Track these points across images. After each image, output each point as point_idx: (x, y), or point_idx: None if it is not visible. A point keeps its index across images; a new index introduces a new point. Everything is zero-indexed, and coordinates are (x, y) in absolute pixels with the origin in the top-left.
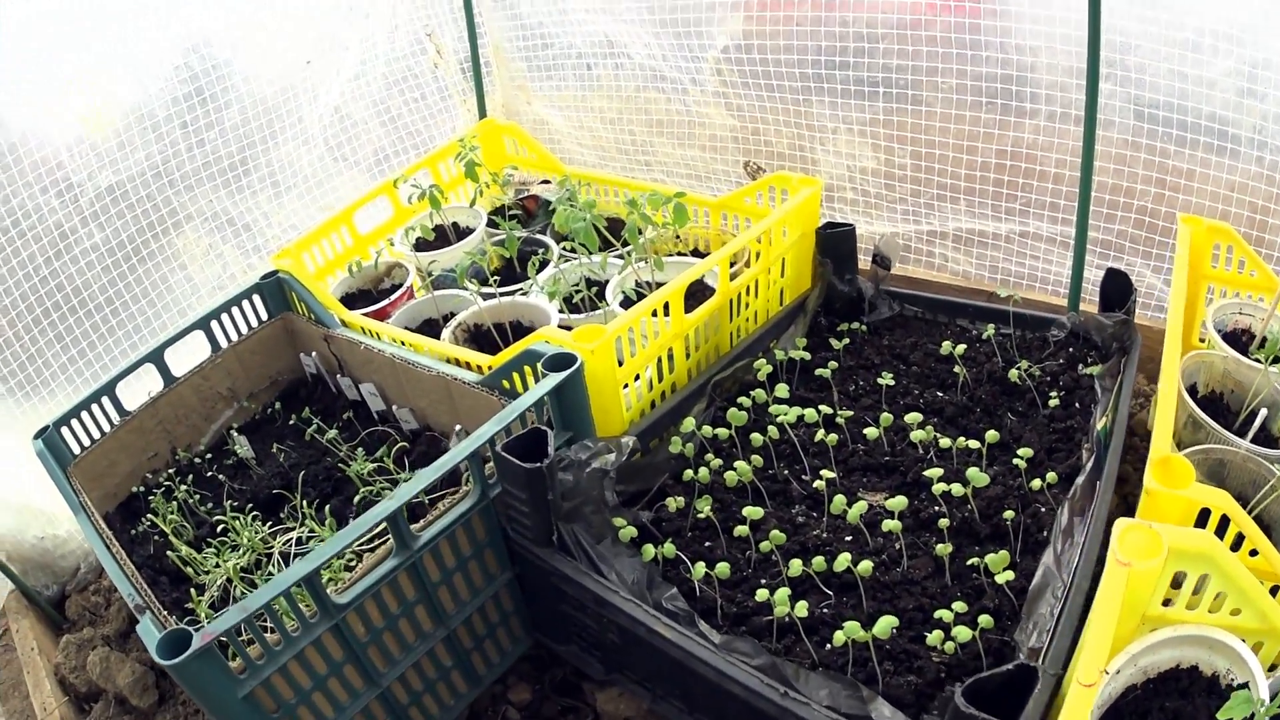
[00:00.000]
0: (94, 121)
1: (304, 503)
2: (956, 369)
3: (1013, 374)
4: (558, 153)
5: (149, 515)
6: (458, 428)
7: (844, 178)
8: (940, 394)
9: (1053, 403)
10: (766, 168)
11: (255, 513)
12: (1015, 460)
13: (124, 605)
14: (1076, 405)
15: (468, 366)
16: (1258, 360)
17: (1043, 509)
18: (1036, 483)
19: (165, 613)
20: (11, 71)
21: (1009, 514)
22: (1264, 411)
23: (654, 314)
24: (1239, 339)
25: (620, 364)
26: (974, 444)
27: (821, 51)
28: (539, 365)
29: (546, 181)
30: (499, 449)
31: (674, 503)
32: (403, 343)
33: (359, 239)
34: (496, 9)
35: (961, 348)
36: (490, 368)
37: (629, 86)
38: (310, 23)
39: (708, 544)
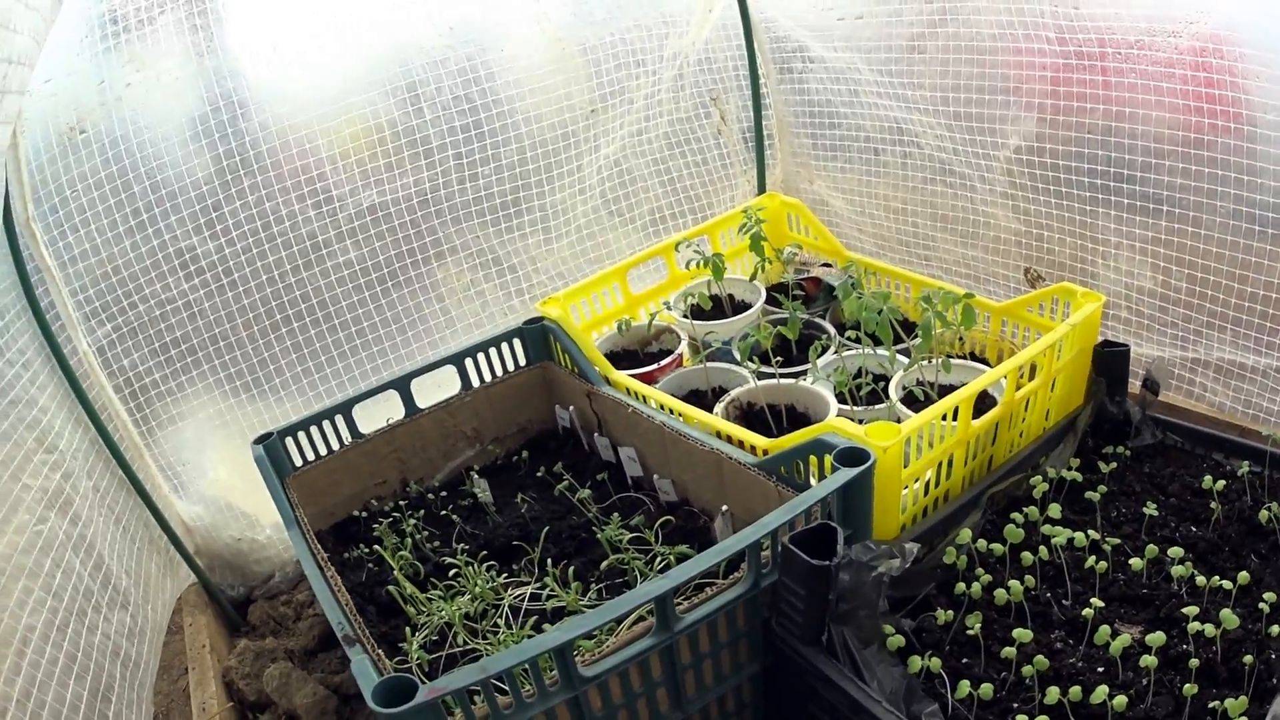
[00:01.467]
0: (364, 140)
1: (548, 562)
2: (1213, 505)
3: (1262, 515)
4: (837, 234)
5: (364, 545)
6: (724, 508)
7: (1120, 295)
8: (1194, 528)
9: None
10: (1046, 277)
11: (491, 561)
12: (1260, 605)
13: (316, 624)
14: None
15: (740, 445)
16: None
17: (1274, 655)
18: (1276, 629)
19: (377, 649)
20: (288, 86)
21: (1248, 659)
22: None
23: (943, 418)
24: None
25: (905, 464)
26: (1226, 584)
27: (1110, 162)
28: (828, 457)
29: (827, 264)
30: (786, 541)
31: (943, 615)
32: (672, 410)
33: (630, 297)
34: (783, 82)
35: (1221, 484)
36: (765, 451)
37: (916, 177)
38: (599, 72)
39: (965, 660)
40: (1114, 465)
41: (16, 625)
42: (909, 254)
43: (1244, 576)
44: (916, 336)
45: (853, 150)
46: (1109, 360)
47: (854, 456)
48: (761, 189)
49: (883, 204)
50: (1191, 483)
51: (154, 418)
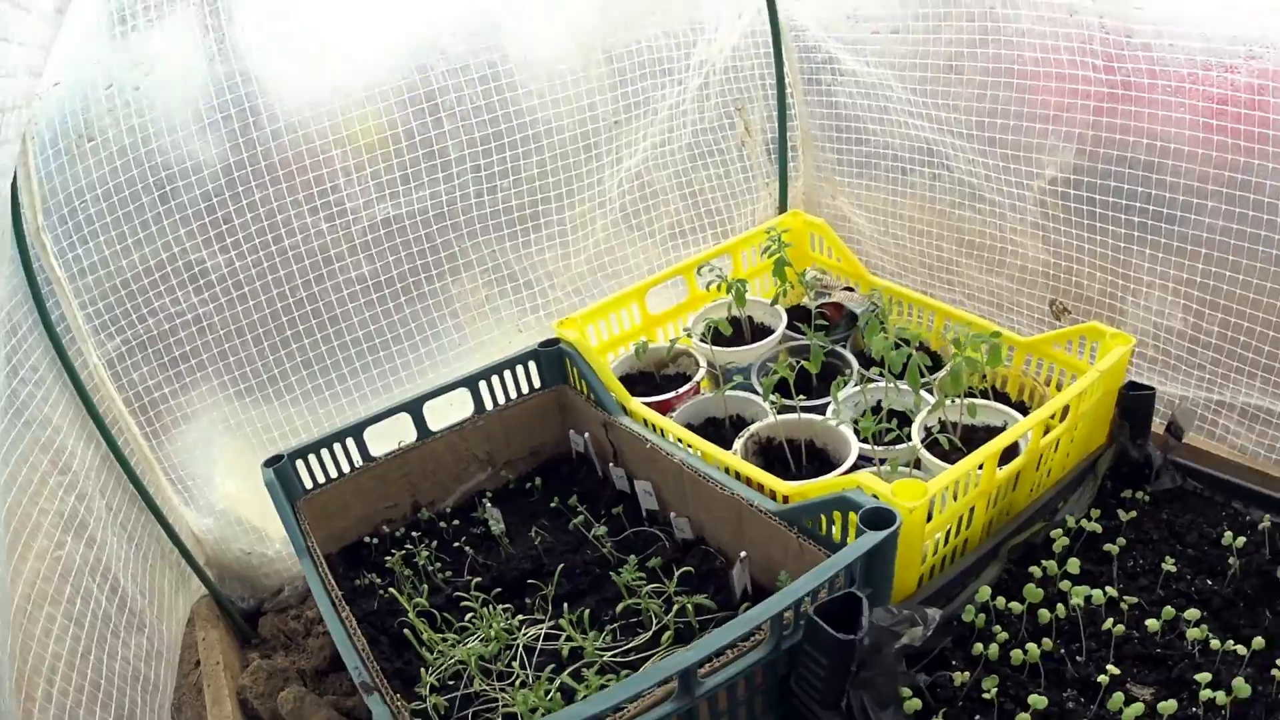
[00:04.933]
0: (380, 151)
1: (564, 604)
2: (1231, 560)
3: None
4: (857, 254)
5: (376, 572)
6: (743, 555)
7: (1149, 334)
8: (1209, 582)
9: None
10: (1073, 310)
11: (505, 603)
12: (1274, 670)
13: (327, 643)
14: None
15: (760, 488)
16: None
17: None
18: None
19: (395, 696)
20: (301, 93)
21: None
22: None
23: (974, 470)
24: None
25: (928, 519)
26: (1241, 649)
27: (1150, 200)
28: (852, 514)
29: (849, 288)
30: (811, 612)
31: (959, 677)
32: (690, 446)
33: (648, 318)
34: (811, 93)
35: (1241, 540)
36: (786, 498)
37: (944, 200)
38: (623, 81)
39: (977, 717)
40: (1133, 513)
41: (45, 654)
42: (931, 277)
43: (1259, 642)
44: (939, 371)
45: (879, 168)
46: (1134, 403)
47: (880, 518)
48: (784, 203)
49: (907, 225)
50: (1210, 533)
51: (164, 431)
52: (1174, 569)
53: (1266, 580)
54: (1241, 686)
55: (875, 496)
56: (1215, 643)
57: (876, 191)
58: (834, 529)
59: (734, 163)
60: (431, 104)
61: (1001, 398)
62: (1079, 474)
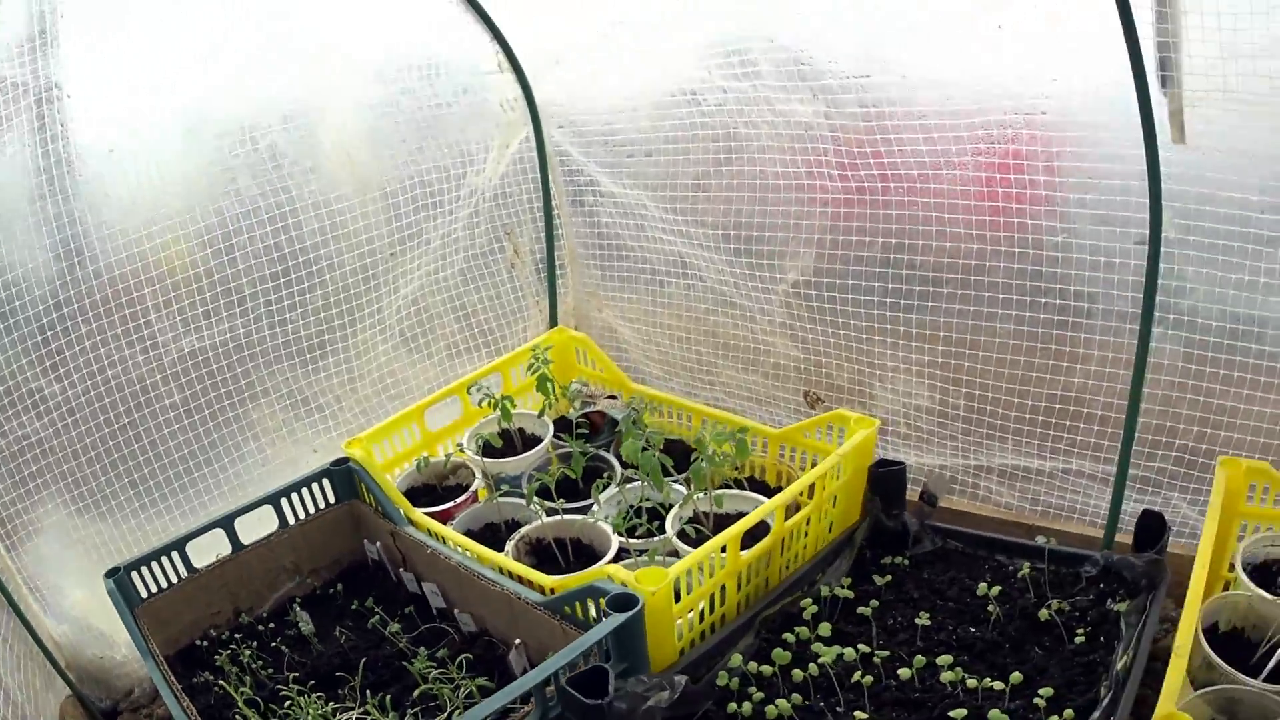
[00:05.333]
0: (185, 290)
1: (366, 693)
2: (990, 607)
3: (1043, 613)
4: (625, 362)
5: (209, 671)
6: (517, 642)
7: (899, 413)
8: (973, 629)
9: (1079, 638)
10: (826, 398)
11: (319, 694)
12: (1036, 699)
13: None
14: (1102, 640)
15: (530, 584)
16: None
17: None
18: None
19: None
20: (121, 236)
21: None
22: None
23: (717, 551)
24: (1271, 571)
25: (677, 600)
26: (999, 685)
27: (888, 294)
28: (602, 601)
29: (613, 396)
30: (564, 683)
31: None
32: (467, 550)
33: (428, 435)
34: (576, 214)
35: (996, 589)
36: (551, 590)
37: (699, 308)
38: (398, 215)
39: None
40: (889, 577)
41: None
42: (694, 379)
43: (1016, 677)
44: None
45: (640, 281)
46: (882, 479)
47: (625, 601)
48: (554, 319)
49: (668, 333)
50: (971, 586)
51: (20, 543)
52: (928, 622)
53: (1031, 622)
54: (998, 717)
55: (623, 584)
56: (973, 682)
57: (638, 303)
58: (591, 614)
59: (505, 284)
60: (228, 244)
61: (761, 485)
62: (837, 547)
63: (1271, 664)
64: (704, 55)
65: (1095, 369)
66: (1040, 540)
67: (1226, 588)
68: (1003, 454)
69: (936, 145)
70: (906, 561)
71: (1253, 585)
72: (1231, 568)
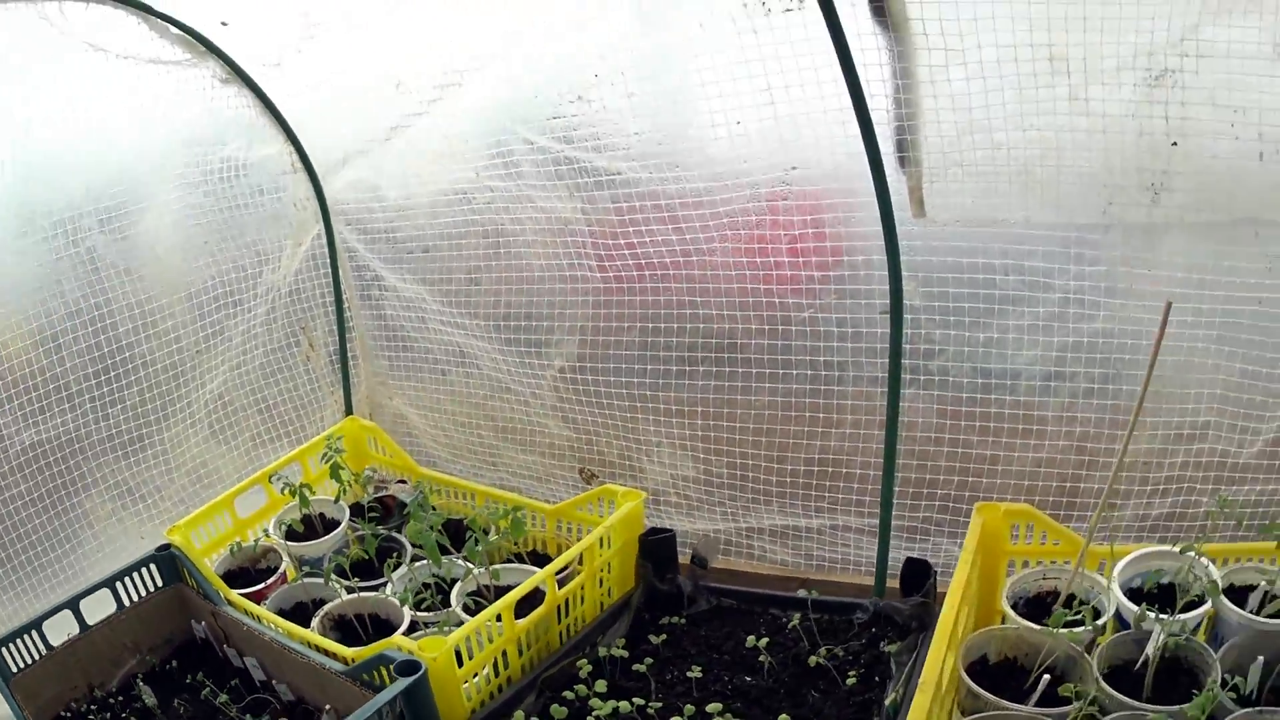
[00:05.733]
0: (20, 387)
1: None
2: (762, 657)
3: (812, 660)
4: (416, 446)
5: None
6: (327, 707)
7: (668, 484)
8: (748, 678)
9: (851, 680)
10: (599, 474)
11: None
12: None
13: None
14: (875, 680)
15: (333, 655)
16: (1047, 625)
17: None
18: None
19: None
20: None
21: None
22: (1046, 677)
23: (492, 620)
24: (1046, 602)
25: (461, 664)
26: None
27: (647, 374)
28: (391, 667)
29: (403, 481)
30: None
31: None
32: (278, 626)
33: (239, 521)
34: (364, 307)
35: (766, 640)
36: (352, 660)
37: (479, 394)
38: (202, 314)
39: None
40: (665, 636)
41: None
42: (479, 462)
43: (784, 718)
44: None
45: (424, 370)
46: (652, 546)
47: (409, 667)
48: (349, 408)
49: (452, 418)
50: (745, 639)
51: None
52: (701, 674)
53: (804, 668)
54: None
55: (409, 652)
56: None
57: (424, 391)
58: (386, 680)
59: (301, 376)
60: (55, 343)
61: (543, 558)
62: (616, 610)
63: (1040, 689)
64: (472, 157)
65: (850, 431)
66: (802, 592)
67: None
68: (770, 515)
69: (685, 235)
70: (683, 621)
71: (1017, 617)
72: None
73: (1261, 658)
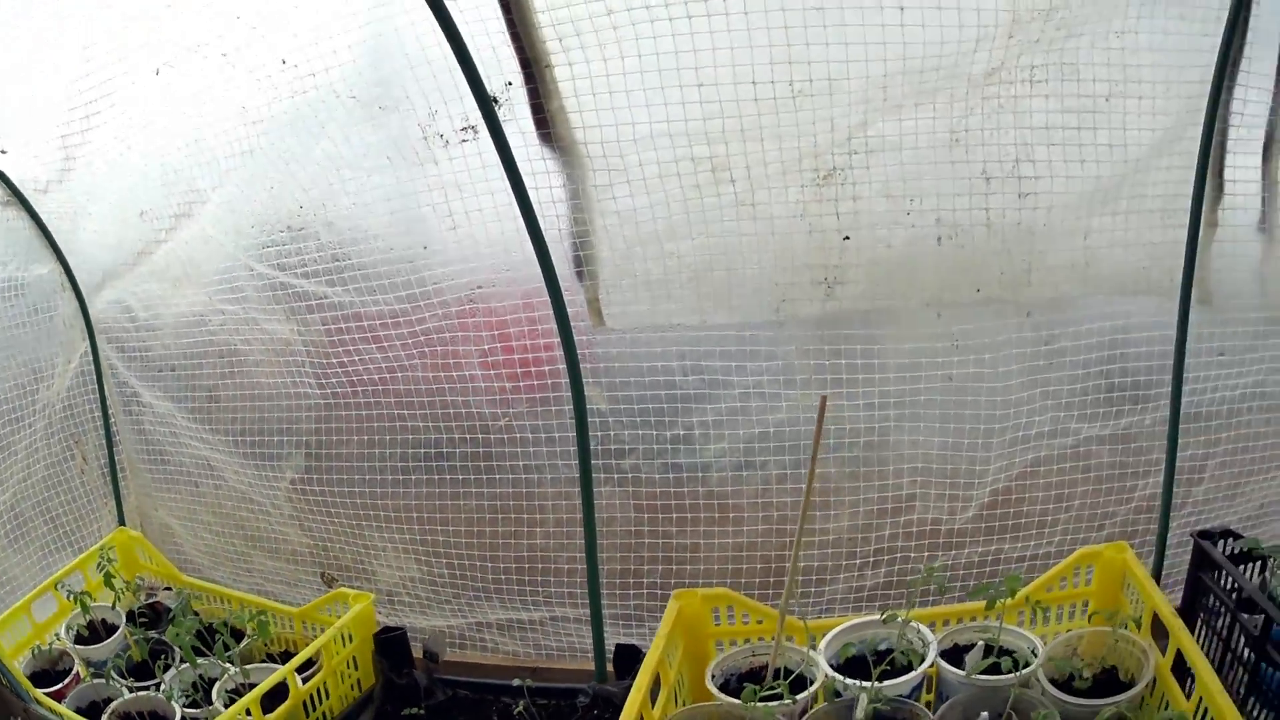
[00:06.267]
0: None
1: None
2: None
3: None
4: (181, 554)
5: None
6: None
7: (399, 585)
8: None
9: None
10: (338, 578)
11: None
12: None
13: None
14: None
15: None
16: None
17: None
18: None
19: None
20: None
21: None
22: None
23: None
24: (759, 675)
25: None
26: None
27: (367, 484)
28: None
29: (169, 588)
30: None
31: None
32: None
33: (37, 626)
34: (128, 422)
35: None
36: None
37: (227, 504)
38: None
39: None
40: None
41: None
42: (235, 569)
43: None
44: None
45: (181, 483)
46: (385, 643)
47: None
48: (121, 518)
49: (208, 528)
50: None
51: None
52: None
53: None
54: None
55: None
56: None
57: (182, 502)
58: None
59: (79, 488)
60: None
61: (287, 658)
62: (360, 704)
63: None
64: (205, 282)
65: (554, 529)
66: (516, 681)
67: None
68: (493, 610)
69: (389, 352)
70: (423, 712)
71: (720, 694)
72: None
73: (985, 713)
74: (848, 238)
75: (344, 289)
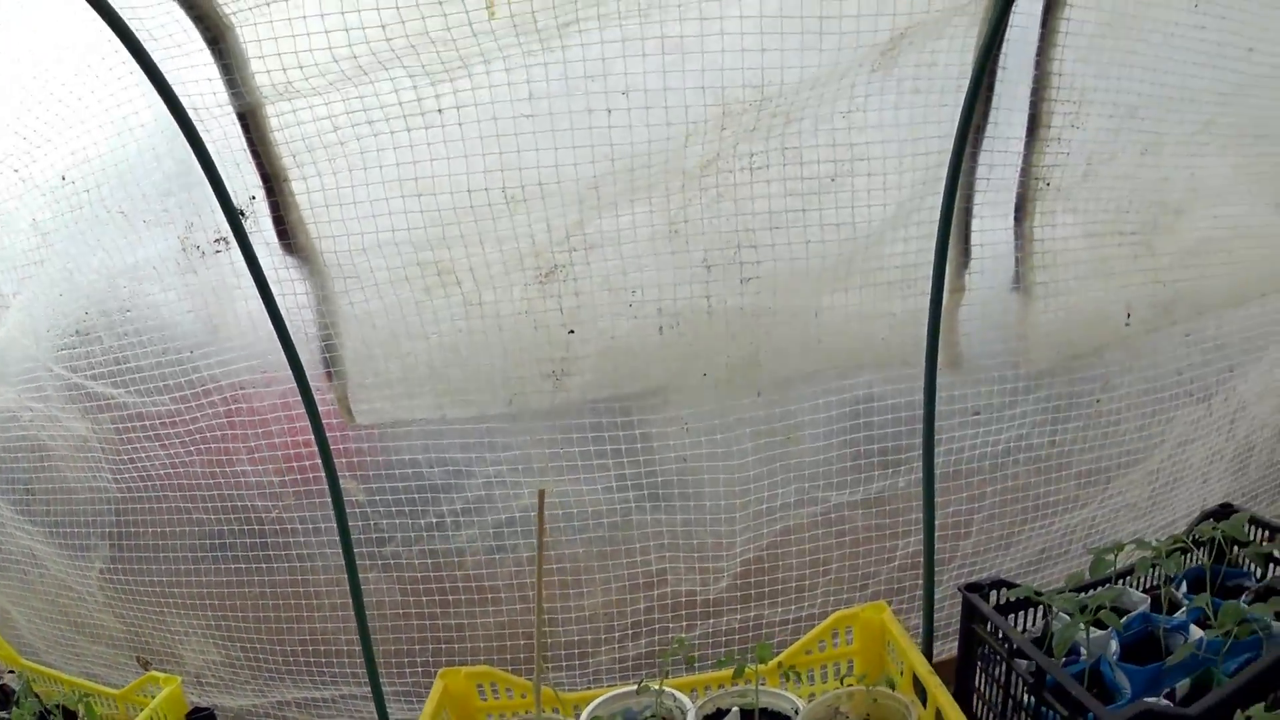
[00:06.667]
0: None
1: None
2: None
3: None
4: (21, 639)
5: None
6: None
7: (205, 667)
8: None
9: None
10: (152, 661)
11: None
12: None
13: None
14: None
15: None
16: None
17: None
18: None
19: None
20: None
21: None
22: None
23: None
24: None
25: None
26: None
27: (165, 573)
28: None
29: (12, 671)
30: None
31: None
32: None
33: None
34: None
35: None
36: None
37: (52, 591)
38: None
39: None
40: None
41: None
42: (66, 652)
43: None
44: None
45: (11, 571)
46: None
47: None
48: None
49: (39, 614)
50: None
51: None
52: None
53: None
54: None
55: None
56: None
57: (13, 589)
58: None
59: None
60: None
61: None
62: None
63: None
64: (14, 380)
65: (330, 613)
66: None
67: None
68: (290, 689)
69: (170, 449)
70: None
71: None
72: None
73: None
74: (572, 331)
75: (126, 390)
